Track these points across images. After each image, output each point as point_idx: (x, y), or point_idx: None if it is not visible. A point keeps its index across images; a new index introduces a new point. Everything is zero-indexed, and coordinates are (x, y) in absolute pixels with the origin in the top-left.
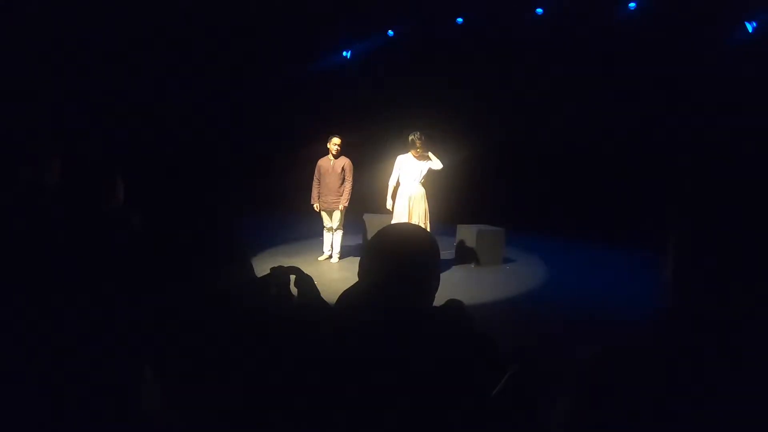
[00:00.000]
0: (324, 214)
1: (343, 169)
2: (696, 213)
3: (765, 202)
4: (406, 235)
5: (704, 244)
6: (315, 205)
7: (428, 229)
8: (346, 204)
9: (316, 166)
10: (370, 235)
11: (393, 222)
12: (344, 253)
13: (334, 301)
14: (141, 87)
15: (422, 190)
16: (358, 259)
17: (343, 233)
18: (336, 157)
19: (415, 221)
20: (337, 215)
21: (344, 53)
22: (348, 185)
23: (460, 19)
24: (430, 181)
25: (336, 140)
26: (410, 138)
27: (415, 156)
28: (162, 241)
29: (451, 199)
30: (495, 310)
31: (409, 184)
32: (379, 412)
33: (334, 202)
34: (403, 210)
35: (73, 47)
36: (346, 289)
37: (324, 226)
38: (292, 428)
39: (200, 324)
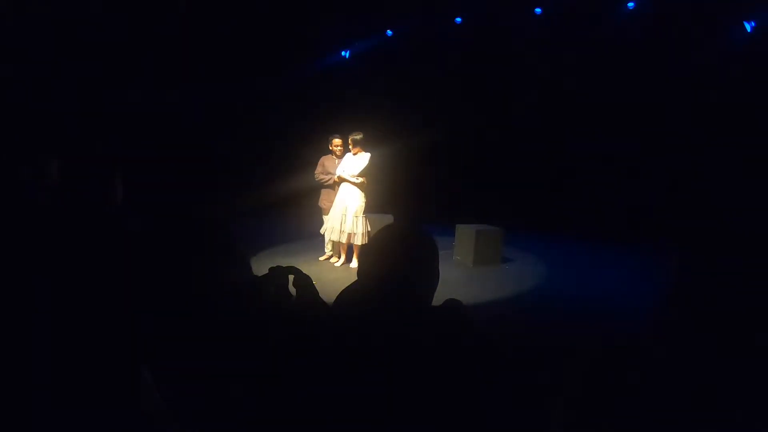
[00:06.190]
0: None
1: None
2: (702, 219)
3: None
4: (406, 235)
5: (709, 248)
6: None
7: (366, 226)
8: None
9: (320, 163)
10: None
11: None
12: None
13: (333, 300)
14: (141, 87)
15: (357, 190)
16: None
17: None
18: (340, 157)
19: (350, 219)
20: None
21: (343, 53)
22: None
23: (458, 19)
24: (372, 175)
25: (336, 141)
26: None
27: (353, 154)
28: (161, 242)
29: (449, 199)
30: (494, 310)
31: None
32: (378, 411)
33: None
34: (339, 206)
35: (73, 46)
36: (345, 288)
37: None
38: (291, 428)
39: (199, 324)
